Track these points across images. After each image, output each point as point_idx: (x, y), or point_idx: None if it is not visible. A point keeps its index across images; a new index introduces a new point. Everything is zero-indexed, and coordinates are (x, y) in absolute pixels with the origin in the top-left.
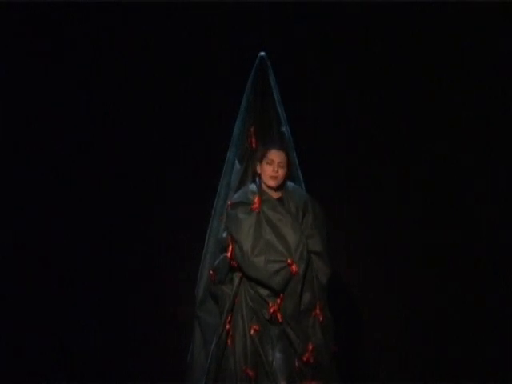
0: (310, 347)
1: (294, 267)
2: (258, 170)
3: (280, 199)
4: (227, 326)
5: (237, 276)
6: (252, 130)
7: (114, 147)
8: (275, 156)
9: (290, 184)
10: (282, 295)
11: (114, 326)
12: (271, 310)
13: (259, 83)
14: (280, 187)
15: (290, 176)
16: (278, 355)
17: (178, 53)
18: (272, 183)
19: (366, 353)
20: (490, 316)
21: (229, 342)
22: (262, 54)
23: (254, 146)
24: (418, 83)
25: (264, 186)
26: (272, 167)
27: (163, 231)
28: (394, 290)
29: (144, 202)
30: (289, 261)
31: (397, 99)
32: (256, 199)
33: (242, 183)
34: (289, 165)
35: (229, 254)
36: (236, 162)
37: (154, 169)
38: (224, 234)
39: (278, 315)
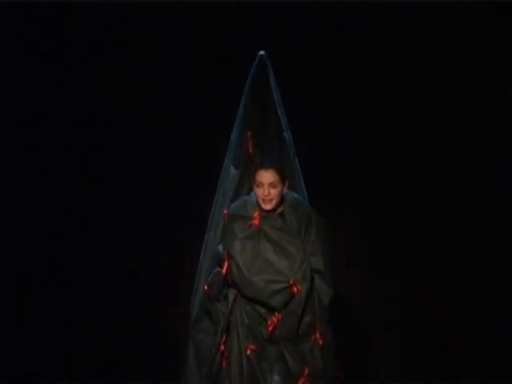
0: (306, 372)
1: (295, 288)
2: (254, 191)
3: (281, 214)
4: (221, 347)
5: (232, 293)
6: (249, 134)
7: (115, 147)
8: (264, 177)
9: (291, 196)
10: (280, 313)
11: (114, 326)
12: (270, 329)
13: (258, 84)
14: (280, 202)
15: (290, 187)
16: (276, 378)
17: (174, 53)
18: (266, 207)
19: (365, 353)
20: (490, 316)
21: (223, 363)
22: (262, 53)
23: (251, 151)
24: (421, 84)
25: None
26: (262, 190)
27: (163, 230)
28: (394, 290)
29: (143, 202)
30: (290, 281)
31: (400, 100)
32: (256, 214)
33: (237, 191)
34: (284, 180)
35: (224, 270)
36: (231, 167)
37: (153, 167)
38: (220, 247)
39: (277, 333)
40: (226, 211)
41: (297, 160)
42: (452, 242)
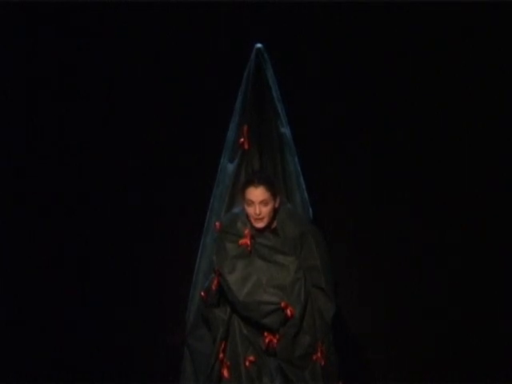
0: None
1: (288, 311)
2: (245, 208)
3: (274, 230)
4: (220, 355)
5: None
6: (245, 128)
7: (114, 147)
8: (253, 195)
9: (285, 208)
10: (277, 333)
11: (113, 326)
12: (266, 340)
13: (256, 78)
14: (273, 217)
15: (282, 203)
16: None
17: (171, 47)
18: (258, 225)
19: (365, 353)
20: (490, 316)
21: (223, 371)
22: (259, 45)
23: (246, 147)
24: (421, 83)
25: None
26: (253, 208)
27: (163, 230)
28: (394, 290)
29: (143, 202)
30: (283, 304)
31: (401, 96)
32: (246, 231)
33: (234, 187)
34: (276, 196)
35: (213, 286)
36: (228, 164)
37: (153, 167)
38: (214, 258)
39: (277, 353)
40: (217, 223)
41: (296, 158)
42: (452, 242)
